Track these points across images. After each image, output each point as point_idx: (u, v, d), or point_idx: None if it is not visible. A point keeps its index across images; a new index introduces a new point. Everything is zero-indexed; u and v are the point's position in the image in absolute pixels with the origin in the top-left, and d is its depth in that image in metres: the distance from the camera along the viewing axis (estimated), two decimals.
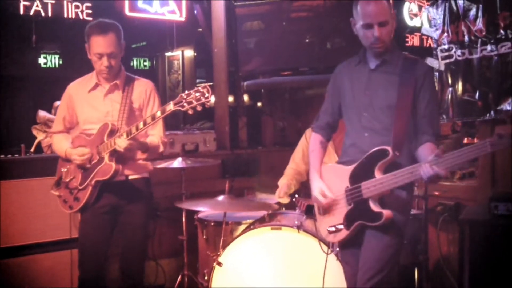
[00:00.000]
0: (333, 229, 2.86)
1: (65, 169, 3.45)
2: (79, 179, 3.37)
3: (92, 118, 3.43)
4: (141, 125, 3.17)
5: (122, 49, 3.40)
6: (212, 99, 6.36)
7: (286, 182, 4.16)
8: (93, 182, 3.31)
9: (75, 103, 3.50)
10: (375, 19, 2.74)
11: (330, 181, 2.91)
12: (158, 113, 3.16)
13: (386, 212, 2.67)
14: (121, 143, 3.17)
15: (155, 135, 3.44)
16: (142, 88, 3.51)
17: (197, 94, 3.01)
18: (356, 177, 2.77)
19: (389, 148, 2.67)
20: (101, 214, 3.41)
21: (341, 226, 2.83)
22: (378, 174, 2.69)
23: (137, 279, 3.55)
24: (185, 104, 3.03)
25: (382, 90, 2.82)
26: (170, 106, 3.10)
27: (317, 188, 2.92)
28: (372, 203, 2.71)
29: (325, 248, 3.17)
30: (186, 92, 3.06)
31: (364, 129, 2.87)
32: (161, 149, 3.51)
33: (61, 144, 3.52)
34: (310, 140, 3.18)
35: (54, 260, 4.30)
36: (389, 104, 2.78)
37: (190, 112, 3.06)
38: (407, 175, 2.60)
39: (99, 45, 3.28)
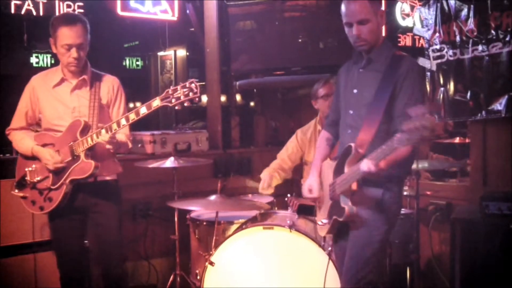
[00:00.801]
0: (320, 223, 2.98)
1: (31, 168, 3.33)
2: (51, 179, 3.26)
3: (58, 113, 3.33)
4: (123, 121, 3.11)
5: (88, 42, 3.32)
6: (204, 98, 6.38)
7: (268, 174, 4.21)
8: (67, 181, 3.22)
9: (39, 98, 3.38)
10: (354, 18, 2.80)
11: (326, 177, 2.97)
12: (144, 109, 3.06)
13: (348, 208, 2.67)
14: (105, 137, 3.10)
15: (120, 132, 3.30)
16: (110, 84, 3.44)
17: (185, 90, 2.97)
18: (337, 174, 2.82)
19: (352, 145, 2.69)
20: (71, 215, 3.35)
21: (325, 221, 2.91)
22: (346, 170, 2.72)
23: (119, 282, 3.47)
24: (172, 99, 2.99)
25: (367, 88, 2.85)
26: (157, 102, 3.03)
27: (307, 183, 3.05)
28: (342, 198, 2.72)
29: (321, 249, 3.26)
30: (172, 87, 3.01)
31: (348, 126, 2.93)
32: (130, 145, 3.48)
33: (24, 141, 3.38)
34: (319, 136, 3.29)
35: (49, 258, 4.26)
36: (370, 102, 2.81)
37: (177, 107, 3.02)
38: (356, 171, 2.59)
39: (68, 36, 3.21)
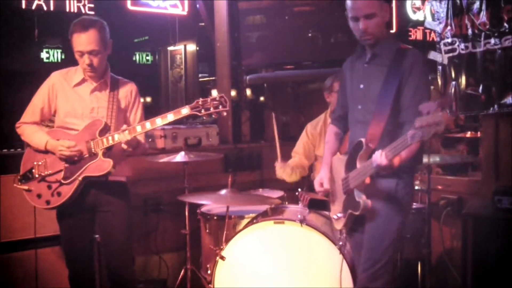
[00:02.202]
0: (335, 217, 3.01)
1: (40, 162, 3.33)
2: (63, 173, 3.26)
3: (75, 112, 3.35)
4: (148, 125, 3.16)
5: (106, 47, 3.32)
6: (214, 93, 6.38)
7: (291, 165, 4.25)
8: (81, 177, 3.23)
9: (58, 95, 3.39)
10: (361, 12, 2.82)
11: (338, 171, 3.00)
12: (171, 116, 3.14)
13: (363, 202, 2.71)
14: (127, 136, 3.15)
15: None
16: (128, 89, 3.48)
17: (215, 102, 3.09)
18: (349, 168, 2.85)
19: (363, 140, 2.73)
20: (80, 214, 3.36)
21: (340, 215, 2.95)
22: (358, 165, 2.76)
23: (127, 283, 3.47)
24: (202, 110, 3.09)
25: (373, 82, 2.88)
26: (186, 110, 3.12)
27: (318, 177, 3.10)
28: (356, 192, 2.76)
29: (332, 243, 3.30)
30: (202, 99, 3.11)
31: (357, 121, 2.96)
32: (147, 146, 3.57)
33: (37, 134, 3.37)
34: (327, 131, 3.32)
35: (51, 254, 4.28)
36: (377, 96, 2.84)
37: (205, 118, 3.21)
38: (369, 166, 2.64)
39: (79, 43, 3.23)
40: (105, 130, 3.25)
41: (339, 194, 2.96)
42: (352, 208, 2.80)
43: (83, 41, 3.22)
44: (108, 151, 3.24)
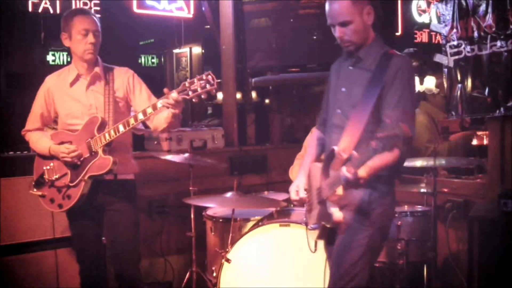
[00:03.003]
0: (309, 228, 2.82)
1: (48, 167, 3.36)
2: (69, 176, 3.29)
3: (75, 112, 3.36)
4: (140, 115, 3.13)
5: (100, 36, 3.39)
6: (220, 95, 6.38)
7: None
8: (86, 177, 3.24)
9: (54, 98, 3.42)
10: (335, 20, 2.73)
11: (315, 178, 2.80)
12: (159, 103, 3.06)
13: (335, 214, 2.52)
14: (122, 130, 3.16)
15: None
16: (124, 76, 3.46)
17: (201, 82, 2.93)
18: (323, 177, 2.64)
19: (335, 149, 2.54)
20: (89, 213, 3.37)
21: (314, 226, 2.77)
22: (331, 174, 2.58)
23: (133, 282, 3.47)
24: (190, 92, 2.96)
25: (355, 87, 2.73)
26: (174, 94, 3.01)
27: (294, 185, 2.91)
28: (328, 203, 2.57)
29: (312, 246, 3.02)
30: (189, 80, 2.99)
31: (334, 126, 2.82)
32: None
33: (41, 141, 3.42)
34: (311, 136, 3.17)
35: (60, 257, 4.30)
36: (357, 102, 2.68)
37: (195, 100, 2.98)
38: (339, 177, 2.42)
39: (85, 22, 3.29)
40: (102, 126, 3.24)
41: (315, 203, 2.74)
42: (324, 220, 2.62)
43: (88, 21, 3.31)
44: (108, 147, 3.24)
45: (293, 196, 2.89)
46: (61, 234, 4.20)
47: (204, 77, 2.95)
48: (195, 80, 2.96)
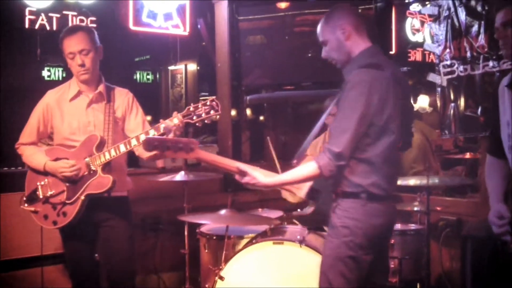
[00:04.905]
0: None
1: (43, 183, 3.33)
2: (66, 193, 3.26)
3: (72, 129, 3.35)
4: (142, 136, 3.13)
5: (97, 50, 3.35)
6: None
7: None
8: (83, 195, 3.23)
9: (53, 114, 3.40)
10: (319, 41, 2.84)
11: None
12: (162, 126, 3.08)
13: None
14: (123, 149, 3.17)
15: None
16: (124, 97, 3.47)
17: (206, 107, 3.00)
18: None
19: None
20: (83, 230, 3.35)
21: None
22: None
23: None
24: (194, 117, 3.02)
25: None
26: (176, 120, 3.05)
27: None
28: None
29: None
30: (193, 104, 3.03)
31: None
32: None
33: (35, 156, 3.38)
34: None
35: (46, 274, 4.27)
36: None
37: (198, 124, 3.05)
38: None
39: (69, 45, 3.28)
40: (101, 145, 3.23)
41: None
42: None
43: (73, 42, 3.27)
44: (107, 166, 3.23)
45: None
46: (49, 252, 4.17)
47: (208, 102, 3.02)
48: (200, 105, 3.02)
